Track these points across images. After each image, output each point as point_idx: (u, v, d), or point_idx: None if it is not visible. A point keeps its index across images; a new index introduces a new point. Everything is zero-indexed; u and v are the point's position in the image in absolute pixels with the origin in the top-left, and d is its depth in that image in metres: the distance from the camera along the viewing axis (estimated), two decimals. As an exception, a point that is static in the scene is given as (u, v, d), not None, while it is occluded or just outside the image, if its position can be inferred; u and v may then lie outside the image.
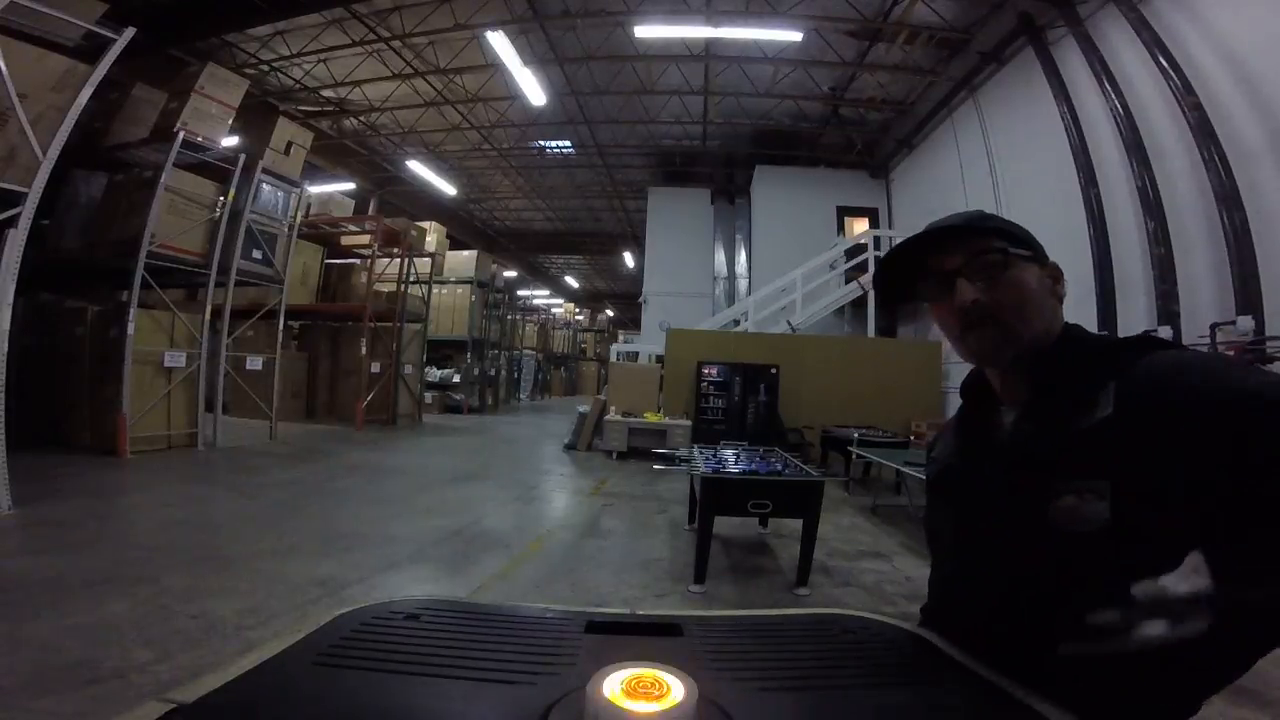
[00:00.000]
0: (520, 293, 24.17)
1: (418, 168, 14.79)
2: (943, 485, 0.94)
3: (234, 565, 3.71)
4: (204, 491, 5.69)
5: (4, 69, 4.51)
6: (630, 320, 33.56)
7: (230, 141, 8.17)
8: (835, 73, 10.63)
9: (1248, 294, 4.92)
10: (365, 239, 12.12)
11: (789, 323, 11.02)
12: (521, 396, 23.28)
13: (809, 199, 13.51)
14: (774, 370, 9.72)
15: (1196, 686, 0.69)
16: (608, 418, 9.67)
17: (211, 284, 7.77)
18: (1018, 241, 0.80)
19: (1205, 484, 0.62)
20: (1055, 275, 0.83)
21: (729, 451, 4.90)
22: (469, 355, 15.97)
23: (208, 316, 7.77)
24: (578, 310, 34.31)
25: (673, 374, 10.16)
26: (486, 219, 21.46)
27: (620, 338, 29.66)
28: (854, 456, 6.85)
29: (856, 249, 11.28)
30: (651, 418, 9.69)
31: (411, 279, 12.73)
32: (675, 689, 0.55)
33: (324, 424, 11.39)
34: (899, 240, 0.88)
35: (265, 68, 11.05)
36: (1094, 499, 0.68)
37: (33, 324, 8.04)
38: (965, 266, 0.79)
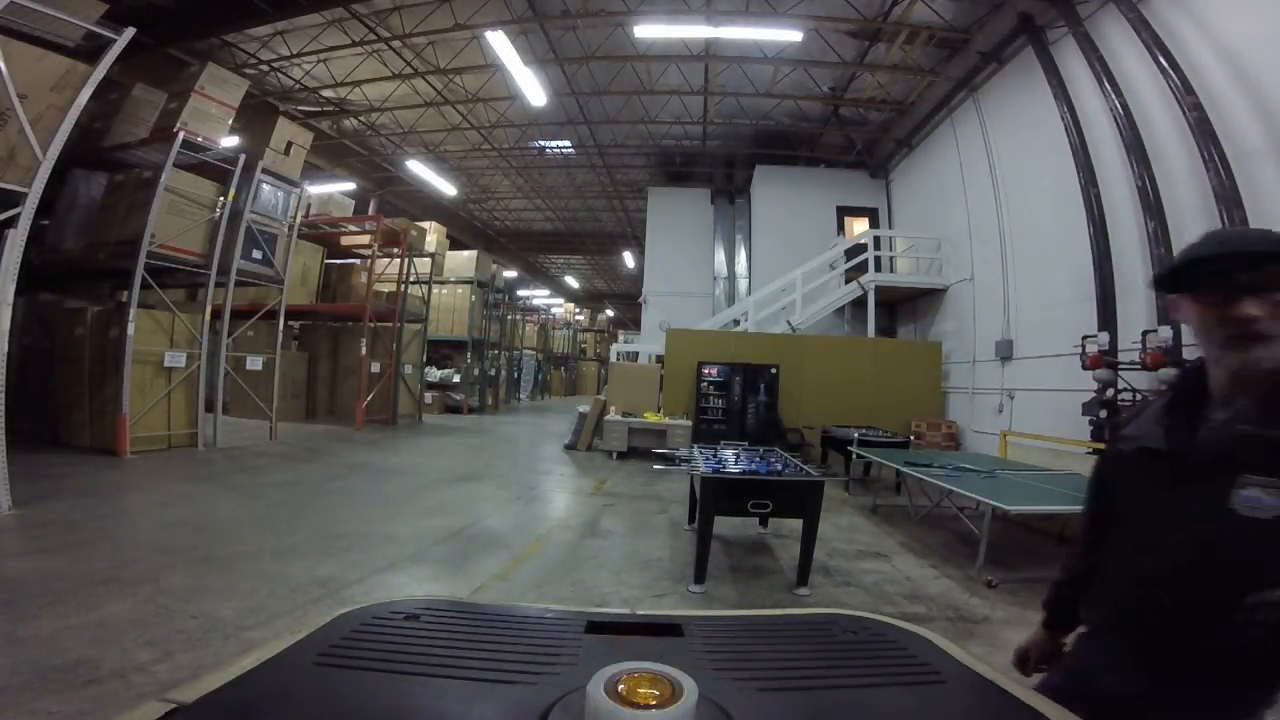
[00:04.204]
0: (520, 293, 24.17)
1: (418, 168, 14.77)
2: (1140, 461, 1.07)
3: (234, 565, 3.71)
4: (204, 491, 5.69)
5: (4, 69, 4.51)
6: (630, 320, 33.55)
7: (230, 141, 8.17)
8: (835, 73, 10.62)
9: (1248, 294, 4.91)
10: (365, 239, 12.12)
11: (789, 323, 11.01)
12: (521, 397, 23.28)
13: (809, 199, 13.49)
14: (774, 370, 9.72)
15: None
16: (608, 418, 9.67)
17: (211, 284, 7.77)
18: None
19: None
20: None
21: (729, 451, 4.91)
22: (469, 355, 15.97)
23: (208, 316, 7.76)
24: (578, 310, 34.29)
25: (673, 374, 10.16)
26: (486, 219, 21.44)
27: (620, 338, 29.64)
28: (854, 456, 6.85)
29: (856, 249, 11.26)
30: (651, 418, 9.69)
31: (411, 279, 12.73)
32: (675, 689, 0.55)
33: (324, 424, 11.39)
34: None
35: (265, 68, 11.05)
36: (1276, 493, 0.83)
37: (33, 324, 8.06)
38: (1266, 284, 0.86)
